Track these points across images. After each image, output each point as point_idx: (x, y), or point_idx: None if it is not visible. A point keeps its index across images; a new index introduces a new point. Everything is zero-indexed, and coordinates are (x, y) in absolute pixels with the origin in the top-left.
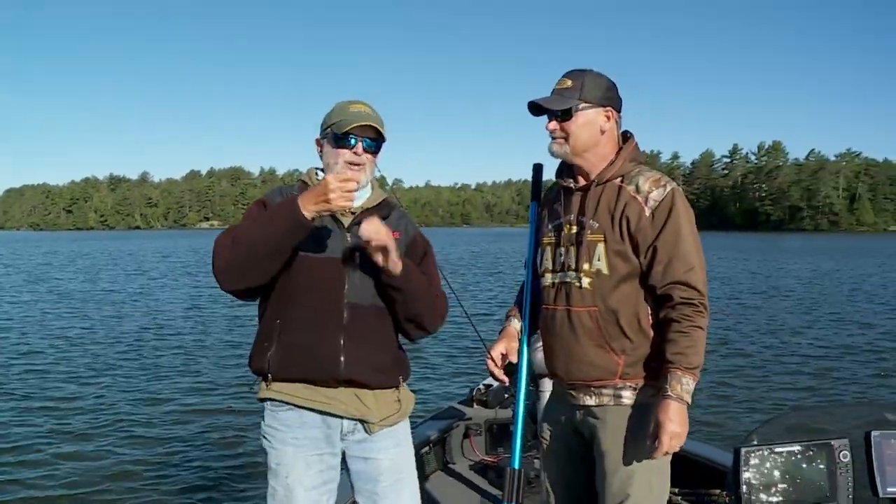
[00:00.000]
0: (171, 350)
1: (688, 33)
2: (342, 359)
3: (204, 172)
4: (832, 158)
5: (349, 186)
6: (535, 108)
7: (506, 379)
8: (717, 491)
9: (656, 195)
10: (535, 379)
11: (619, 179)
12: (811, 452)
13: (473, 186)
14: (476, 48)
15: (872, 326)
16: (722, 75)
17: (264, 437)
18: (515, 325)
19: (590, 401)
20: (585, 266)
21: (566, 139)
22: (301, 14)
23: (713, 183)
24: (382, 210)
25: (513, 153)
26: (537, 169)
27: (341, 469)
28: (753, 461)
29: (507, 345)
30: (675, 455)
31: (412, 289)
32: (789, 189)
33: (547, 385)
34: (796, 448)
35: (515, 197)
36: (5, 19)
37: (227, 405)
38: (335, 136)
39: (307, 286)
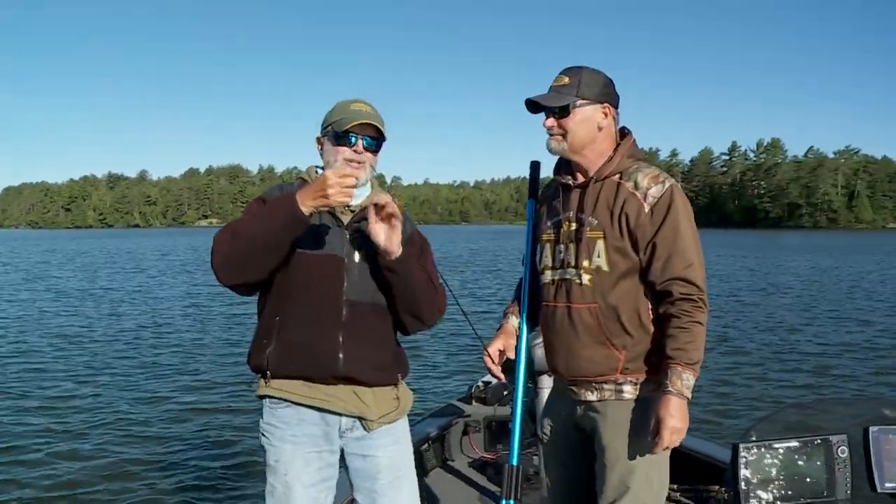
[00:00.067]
0: (169, 348)
1: (687, 31)
2: (341, 356)
3: (202, 170)
4: (831, 156)
5: (348, 182)
6: (533, 106)
7: (502, 376)
8: (716, 487)
9: (655, 191)
10: (533, 376)
11: (617, 176)
12: (809, 448)
13: (472, 184)
14: (475, 46)
15: (871, 323)
16: (721, 73)
17: (263, 434)
18: (513, 322)
19: (591, 396)
20: (585, 263)
21: (564, 136)
22: (300, 13)
23: (712, 180)
24: None
25: (511, 151)
26: (534, 167)
27: (340, 467)
28: (752, 457)
29: (505, 341)
30: (673, 451)
31: (410, 277)
32: (788, 186)
33: (546, 382)
34: (794, 444)
35: (514, 194)
36: (5, 19)
37: (226, 403)
38: (336, 134)
39: (306, 283)
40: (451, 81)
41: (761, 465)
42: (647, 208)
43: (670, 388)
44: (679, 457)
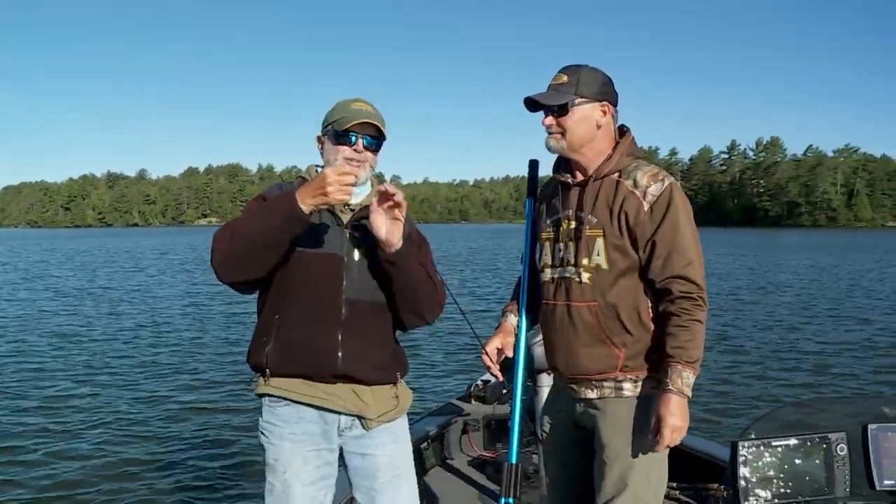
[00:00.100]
0: (168, 347)
1: (686, 31)
2: (340, 354)
3: (202, 169)
4: (830, 154)
5: (347, 180)
6: (532, 104)
7: (500, 374)
8: (715, 485)
9: (654, 189)
10: (532, 374)
11: (616, 174)
12: (808, 446)
13: (471, 183)
14: (474, 46)
15: (870, 322)
16: (720, 72)
17: (262, 432)
18: (512, 320)
19: (591, 394)
20: (585, 261)
21: (563, 134)
22: (299, 12)
23: (711, 179)
24: None
25: (510, 149)
26: (533, 165)
27: (340, 465)
28: (751, 455)
29: (503, 340)
30: (673, 449)
31: (410, 271)
32: (787, 185)
33: (545, 380)
34: (793, 442)
35: (513, 193)
36: (4, 19)
37: (225, 402)
38: (336, 133)
39: (305, 282)
40: (450, 80)
41: (760, 464)
42: (646, 206)
43: (671, 387)
44: (678, 455)
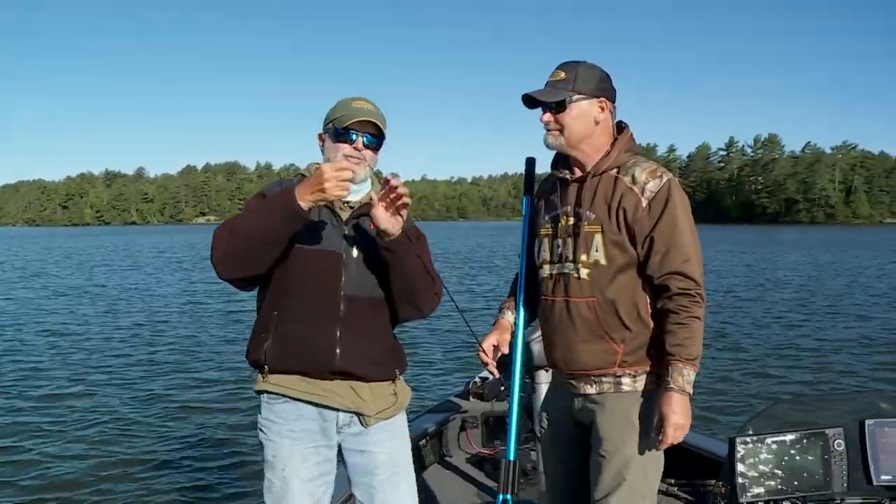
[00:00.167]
0: (166, 345)
1: (684, 27)
2: (338, 351)
3: (200, 168)
4: (828, 151)
5: (344, 175)
6: (530, 101)
7: (496, 371)
8: (713, 481)
9: (653, 186)
10: (530, 371)
11: (615, 170)
12: (806, 442)
13: (470, 180)
14: (472, 43)
15: (868, 319)
16: (718, 68)
17: (261, 429)
18: (509, 317)
19: (590, 389)
20: (583, 257)
21: (561, 131)
22: (297, 9)
23: (709, 176)
24: None
25: (509, 147)
26: (530, 163)
27: (339, 462)
28: (748, 451)
29: (499, 336)
30: (671, 446)
31: (408, 260)
32: (785, 182)
33: (543, 377)
34: (791, 438)
35: (511, 190)
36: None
37: (223, 400)
38: (336, 130)
39: (304, 278)
40: (448, 77)
41: (758, 459)
42: (644, 203)
43: (672, 385)
44: (676, 452)
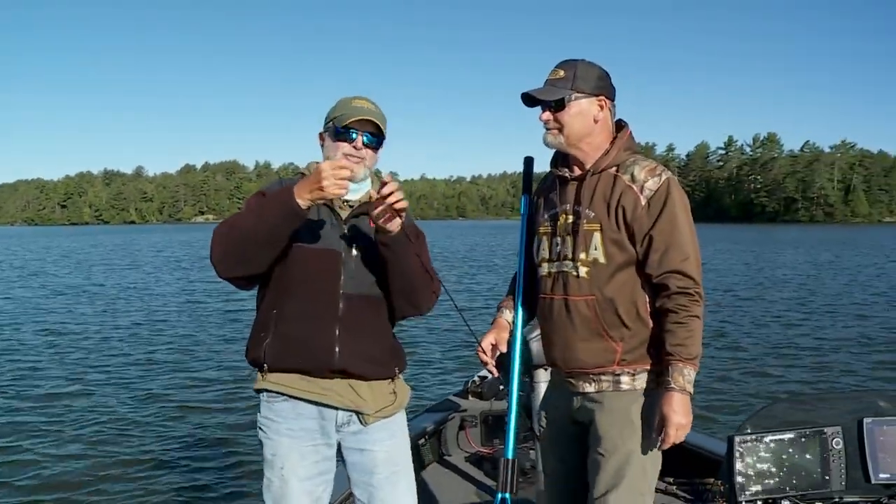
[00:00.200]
0: (165, 345)
1: (683, 27)
2: (337, 349)
3: (199, 166)
4: (827, 150)
5: (343, 174)
6: (529, 99)
7: (494, 370)
8: (712, 480)
9: (651, 184)
10: (529, 370)
11: (614, 169)
12: (804, 440)
13: (469, 179)
14: (471, 41)
15: (867, 318)
16: (717, 67)
17: (260, 428)
18: (507, 316)
19: (589, 388)
20: (582, 255)
21: (560, 129)
22: (296, 8)
23: (708, 175)
24: None
25: (508, 146)
26: (528, 162)
27: (339, 461)
28: (747, 450)
29: (497, 335)
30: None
31: (406, 257)
32: (784, 181)
33: (542, 376)
34: (789, 436)
35: (510, 189)
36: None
37: (222, 399)
38: (336, 129)
39: (303, 278)
40: (447, 77)
41: (756, 458)
42: (643, 201)
43: (672, 385)
44: (675, 450)
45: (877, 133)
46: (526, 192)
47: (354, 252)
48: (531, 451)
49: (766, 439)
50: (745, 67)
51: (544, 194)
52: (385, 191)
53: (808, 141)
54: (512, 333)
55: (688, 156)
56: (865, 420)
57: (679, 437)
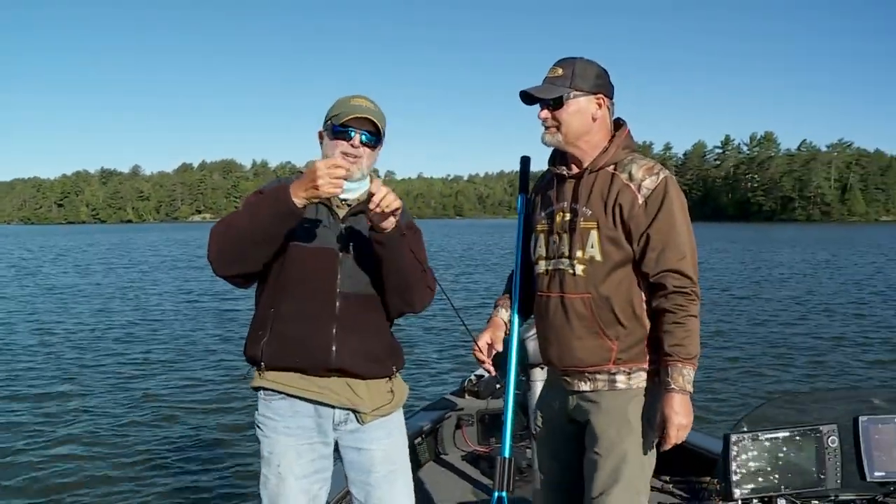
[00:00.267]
0: (161, 344)
1: (681, 26)
2: (333, 348)
3: (196, 165)
4: (824, 149)
5: (337, 173)
6: (527, 98)
7: (492, 368)
8: (708, 478)
9: (649, 183)
10: (526, 369)
11: (611, 167)
12: (800, 438)
13: (466, 178)
14: (470, 41)
15: (863, 316)
16: (714, 66)
17: (257, 426)
18: (503, 314)
19: (584, 386)
20: (579, 253)
21: (558, 128)
22: (293, 6)
23: (705, 174)
24: None
25: (505, 144)
26: (524, 161)
27: (337, 460)
28: (743, 448)
29: (493, 334)
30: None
31: (401, 253)
32: (781, 180)
33: (538, 375)
34: (785, 434)
35: (508, 188)
36: None
37: (219, 398)
38: (334, 128)
39: (300, 277)
40: (444, 75)
41: (752, 456)
42: (640, 200)
43: (673, 386)
44: (672, 449)
45: (874, 132)
46: (523, 190)
47: (351, 251)
48: (528, 450)
49: (762, 437)
50: (744, 67)
51: (542, 192)
52: (375, 200)
53: (804, 140)
54: (508, 332)
55: (685, 154)
56: (861, 418)
57: (680, 438)
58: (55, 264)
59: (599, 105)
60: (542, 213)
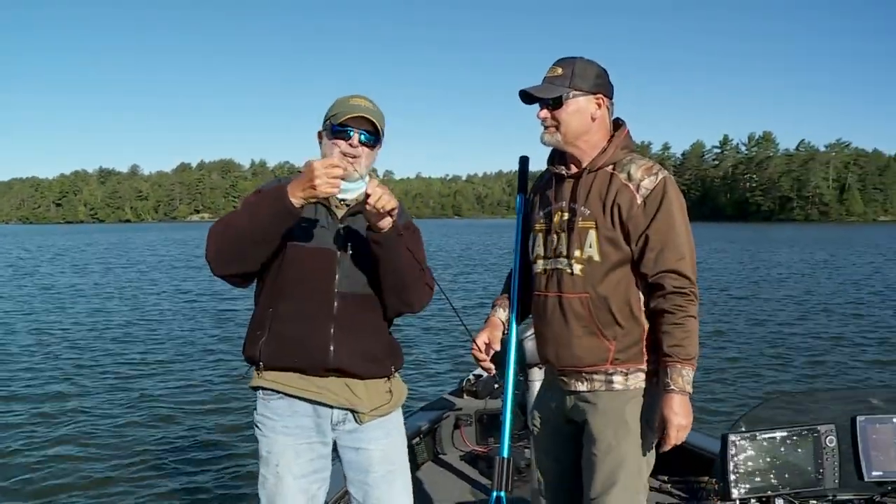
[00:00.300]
0: (159, 344)
1: (680, 26)
2: (332, 348)
3: (194, 165)
4: (822, 149)
5: (334, 172)
6: (527, 97)
7: (491, 367)
8: (706, 477)
9: (648, 183)
10: (524, 368)
11: (610, 167)
12: (798, 438)
13: (464, 178)
14: (470, 41)
15: (862, 316)
16: (713, 66)
17: (256, 425)
18: (500, 314)
19: (581, 387)
20: (577, 253)
21: (557, 127)
22: (292, 6)
23: (704, 174)
24: None
25: (504, 144)
26: (523, 161)
27: (335, 459)
28: (741, 447)
29: (491, 334)
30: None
31: (399, 253)
32: (780, 179)
33: (536, 375)
34: (783, 434)
35: (506, 188)
36: None
37: (217, 398)
38: (333, 127)
39: (298, 277)
40: (445, 77)
41: (750, 455)
42: (639, 200)
43: (672, 387)
44: (670, 448)
45: (872, 132)
46: (521, 190)
47: (349, 251)
48: (526, 450)
49: (760, 437)
50: (742, 67)
51: (540, 192)
52: (370, 200)
53: (803, 140)
54: (506, 332)
55: (683, 155)
56: (859, 418)
57: (680, 439)
58: (53, 264)
59: (599, 105)
60: (541, 213)
